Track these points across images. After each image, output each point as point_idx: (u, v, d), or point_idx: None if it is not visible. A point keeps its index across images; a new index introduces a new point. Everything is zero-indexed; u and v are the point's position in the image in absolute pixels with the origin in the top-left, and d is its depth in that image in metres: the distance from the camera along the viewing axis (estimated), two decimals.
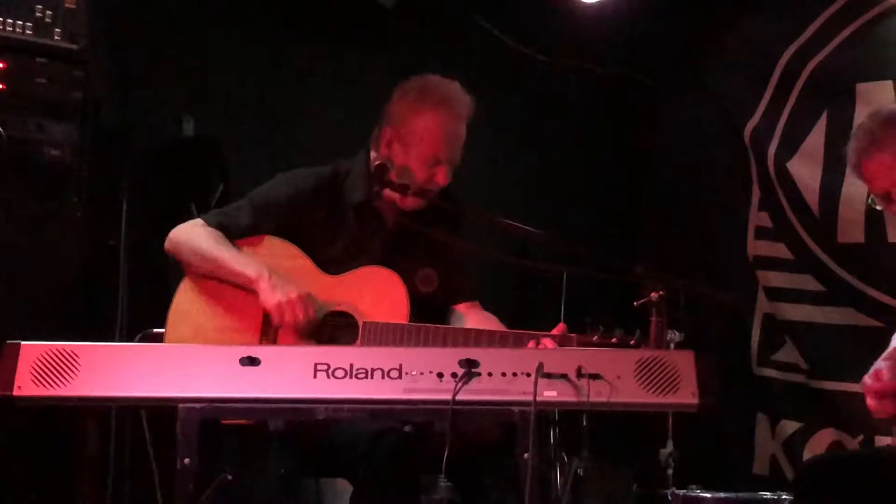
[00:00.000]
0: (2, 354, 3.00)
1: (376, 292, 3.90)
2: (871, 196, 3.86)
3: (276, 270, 3.84)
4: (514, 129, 6.24)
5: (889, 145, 3.71)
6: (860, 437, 5.43)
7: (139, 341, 4.03)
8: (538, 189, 6.18)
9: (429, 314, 3.97)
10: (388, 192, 3.94)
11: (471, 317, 4.12)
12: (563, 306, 4.91)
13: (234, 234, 3.97)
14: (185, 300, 3.94)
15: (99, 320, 4.43)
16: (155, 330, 4.00)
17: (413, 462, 3.45)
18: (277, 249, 3.97)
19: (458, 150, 4.05)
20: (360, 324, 3.83)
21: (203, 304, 3.91)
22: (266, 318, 3.86)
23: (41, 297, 4.17)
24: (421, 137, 3.99)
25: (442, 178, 4.00)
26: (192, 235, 3.96)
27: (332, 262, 3.97)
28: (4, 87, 4.14)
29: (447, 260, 4.11)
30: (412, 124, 4.01)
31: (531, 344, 3.69)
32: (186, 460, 3.00)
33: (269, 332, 3.86)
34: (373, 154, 4.08)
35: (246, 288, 3.84)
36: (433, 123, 4.00)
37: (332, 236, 4.01)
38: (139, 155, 4.79)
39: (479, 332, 3.79)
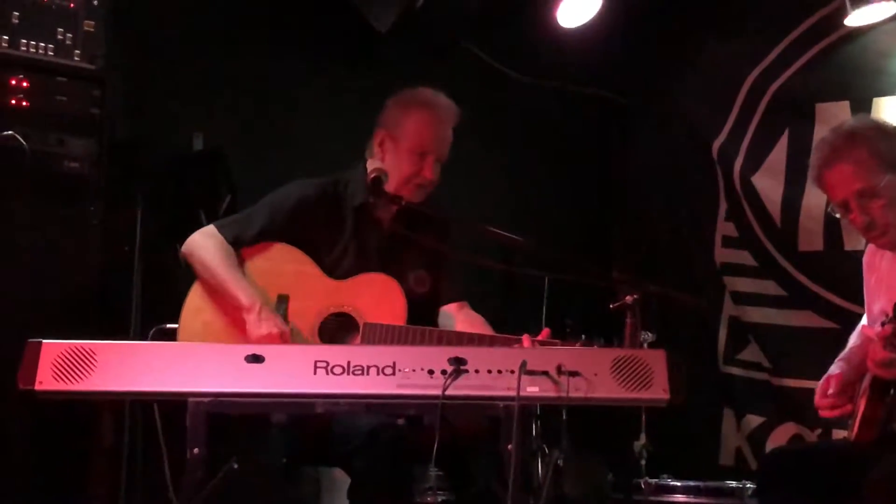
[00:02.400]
0: (24, 352, 3.00)
1: (376, 296, 3.91)
2: (831, 205, 3.87)
3: (268, 302, 3.85)
4: (499, 145, 6.24)
5: (848, 158, 3.72)
6: (818, 431, 5.44)
7: (152, 336, 4.05)
8: (521, 200, 6.18)
9: (421, 313, 3.98)
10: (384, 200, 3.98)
11: (460, 317, 4.14)
12: (544, 309, 4.91)
13: (247, 241, 3.98)
14: (198, 298, 3.96)
15: (114, 320, 4.42)
16: (167, 325, 4.01)
17: (407, 454, 3.45)
18: (286, 255, 3.99)
19: (445, 147, 4.10)
20: (361, 325, 3.84)
21: (213, 303, 3.93)
22: None
23: (61, 298, 4.16)
24: (410, 133, 4.07)
25: (429, 171, 4.05)
26: (203, 248, 3.97)
27: (335, 267, 3.99)
28: (28, 104, 4.14)
29: (438, 263, 4.13)
30: (402, 122, 4.09)
31: (517, 347, 3.70)
32: (196, 450, 3.00)
33: None
34: (369, 162, 4.09)
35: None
36: (421, 120, 4.08)
37: (334, 240, 4.02)
38: (152, 167, 4.79)
39: (470, 335, 3.81)
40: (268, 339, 3.74)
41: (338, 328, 3.90)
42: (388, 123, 4.13)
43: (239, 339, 3.84)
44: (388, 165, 4.07)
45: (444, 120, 4.11)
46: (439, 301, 4.18)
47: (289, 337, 3.79)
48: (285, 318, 3.88)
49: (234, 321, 3.87)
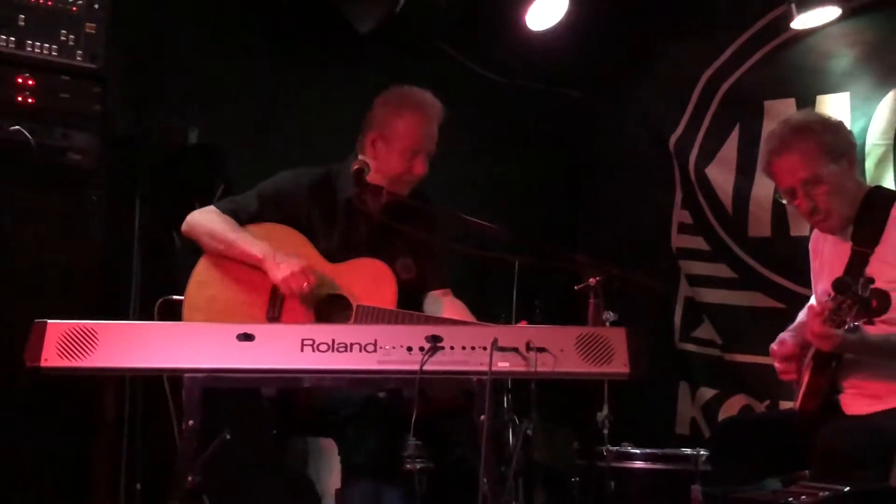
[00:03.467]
0: (31, 332, 2.99)
1: (370, 280, 3.90)
2: (778, 192, 3.88)
3: (280, 249, 3.85)
4: (473, 139, 6.23)
5: (795, 149, 3.74)
6: (767, 402, 5.46)
7: (158, 307, 4.05)
8: (493, 190, 6.17)
9: (409, 299, 3.97)
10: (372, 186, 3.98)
11: (446, 302, 4.13)
12: (514, 292, 4.91)
13: (244, 219, 3.97)
14: (204, 272, 3.93)
15: (115, 302, 4.40)
16: (173, 297, 3.99)
17: (395, 424, 3.44)
18: (288, 237, 3.97)
19: (432, 144, 4.09)
20: (354, 307, 3.83)
21: (218, 278, 3.91)
22: (273, 292, 3.87)
23: (65, 282, 4.14)
24: (401, 134, 4.04)
25: (419, 167, 4.05)
26: (206, 219, 3.97)
27: (330, 252, 3.97)
28: (33, 101, 4.11)
29: (425, 252, 4.12)
30: (394, 124, 4.06)
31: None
32: (191, 422, 3.00)
33: (275, 304, 3.87)
34: (360, 157, 4.07)
35: (254, 266, 3.84)
36: (412, 122, 4.05)
37: (327, 228, 4.01)
38: (150, 160, 4.76)
39: (453, 321, 3.79)
40: (293, 278, 3.75)
41: (332, 309, 3.89)
42: (379, 124, 4.09)
43: (243, 314, 3.85)
44: (380, 163, 4.05)
45: (432, 119, 4.10)
46: (425, 288, 4.16)
47: (309, 270, 3.79)
48: (283, 297, 3.86)
49: (238, 296, 3.87)
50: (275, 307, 3.86)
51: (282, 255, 3.81)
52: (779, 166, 3.80)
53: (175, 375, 3.06)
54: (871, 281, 3.26)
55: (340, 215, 4.04)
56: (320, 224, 4.02)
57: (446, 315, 4.04)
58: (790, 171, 3.76)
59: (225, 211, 3.98)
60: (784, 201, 3.90)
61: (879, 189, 3.91)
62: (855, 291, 3.25)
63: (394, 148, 4.04)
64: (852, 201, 3.75)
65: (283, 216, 3.99)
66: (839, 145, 3.75)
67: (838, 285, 3.31)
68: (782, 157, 3.77)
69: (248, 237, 3.90)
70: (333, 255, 3.97)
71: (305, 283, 3.76)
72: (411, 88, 4.15)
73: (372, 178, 4.01)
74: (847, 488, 2.83)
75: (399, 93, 4.14)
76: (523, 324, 3.77)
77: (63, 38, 4.14)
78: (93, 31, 4.20)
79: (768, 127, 5.45)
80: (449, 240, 4.35)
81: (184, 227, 4.00)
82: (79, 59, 4.18)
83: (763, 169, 3.92)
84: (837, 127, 3.84)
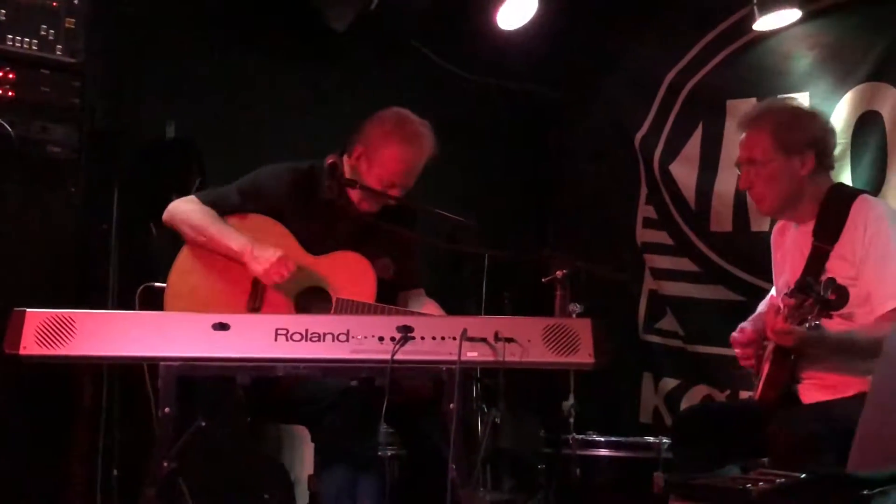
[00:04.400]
0: (10, 320, 2.97)
1: (350, 274, 3.88)
2: (738, 161, 3.91)
3: (259, 241, 3.81)
4: (445, 135, 6.18)
5: (753, 128, 3.80)
6: (727, 392, 5.49)
7: (140, 294, 4.02)
8: (465, 185, 6.16)
9: (386, 294, 3.95)
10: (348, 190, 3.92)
11: (418, 301, 4.12)
12: (485, 283, 4.91)
13: (225, 211, 3.92)
14: (187, 261, 3.90)
15: (93, 292, 4.37)
16: (156, 284, 3.96)
17: (369, 413, 3.44)
18: (271, 228, 3.92)
19: (412, 179, 4.01)
20: (334, 300, 3.81)
21: (200, 267, 3.88)
22: (255, 283, 3.84)
23: (44, 271, 4.12)
24: (384, 163, 3.94)
25: (393, 193, 3.97)
26: (187, 210, 3.92)
27: (311, 244, 3.94)
28: (14, 94, 4.08)
29: (403, 251, 4.09)
30: (381, 150, 3.96)
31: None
32: (166, 409, 2.99)
33: (256, 295, 3.84)
34: (345, 158, 4.03)
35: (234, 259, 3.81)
36: (398, 155, 3.95)
37: (308, 223, 3.96)
38: (129, 153, 4.74)
39: (429, 315, 3.78)
40: (272, 269, 3.73)
41: (313, 300, 3.87)
42: (368, 142, 4.00)
43: (224, 303, 3.82)
44: (360, 176, 3.96)
45: (419, 156, 4.00)
46: (402, 285, 4.14)
47: (287, 258, 3.76)
48: (265, 288, 3.83)
49: (219, 286, 3.84)
50: (256, 298, 3.84)
51: (259, 247, 3.77)
52: (743, 138, 3.85)
53: (151, 364, 3.04)
54: (833, 281, 3.28)
55: (321, 212, 3.98)
56: (301, 219, 3.96)
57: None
58: (745, 146, 3.82)
59: (206, 202, 3.94)
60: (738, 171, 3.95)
61: (841, 186, 3.93)
62: (817, 291, 3.28)
63: (374, 172, 3.95)
64: (793, 196, 3.76)
65: (263, 210, 3.95)
66: (795, 141, 3.75)
67: (801, 286, 3.33)
68: (746, 132, 3.84)
69: (228, 230, 3.86)
70: (314, 248, 3.94)
71: (286, 271, 3.74)
72: (409, 117, 4.03)
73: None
74: (803, 475, 2.84)
75: (397, 118, 4.02)
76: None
77: (43, 32, 4.12)
78: (72, 27, 4.17)
79: (730, 125, 5.50)
80: (418, 233, 4.33)
81: (165, 216, 3.95)
82: (58, 53, 4.15)
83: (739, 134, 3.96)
84: (803, 124, 3.80)
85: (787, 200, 3.77)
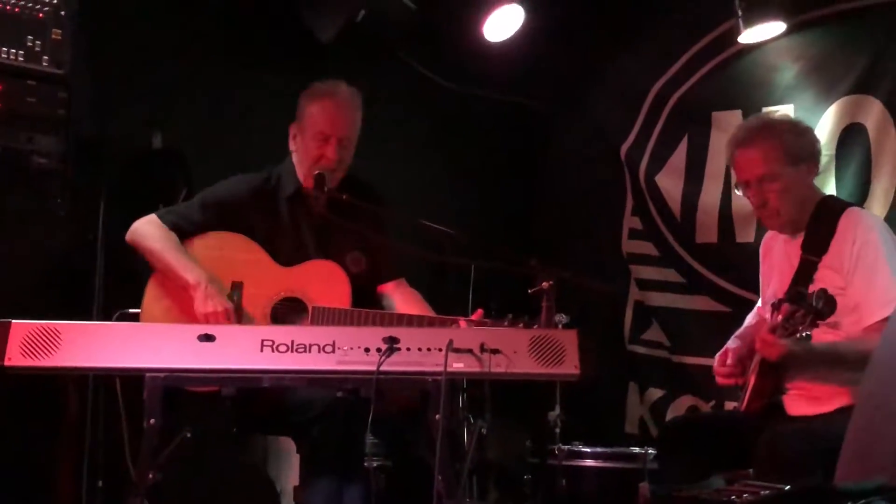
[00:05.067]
0: None
1: (323, 281, 3.89)
2: (736, 182, 3.91)
3: (214, 280, 3.80)
4: (432, 146, 6.24)
5: (758, 145, 3.77)
6: (713, 402, 5.48)
7: (115, 320, 3.95)
8: (452, 196, 6.17)
9: (363, 292, 3.96)
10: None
11: (397, 296, 4.12)
12: (471, 293, 4.91)
13: (188, 230, 3.93)
14: (158, 286, 3.90)
15: (79, 303, 4.36)
16: (130, 310, 3.95)
17: (355, 424, 3.43)
18: (238, 244, 3.94)
19: (346, 130, 4.07)
20: (310, 308, 3.81)
21: (172, 289, 3.86)
22: (229, 299, 3.82)
23: (29, 282, 4.11)
24: (312, 120, 4.05)
25: (331, 151, 4.01)
26: (147, 234, 3.93)
27: (282, 255, 3.95)
28: (0, 105, 4.07)
29: (370, 244, 4.09)
30: (306, 112, 4.08)
31: (448, 327, 3.71)
32: (152, 420, 2.99)
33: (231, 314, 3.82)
34: (292, 151, 4.12)
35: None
36: (321, 108, 4.05)
37: (273, 230, 3.98)
38: (115, 163, 4.73)
39: (409, 317, 3.78)
40: (213, 316, 3.70)
41: (289, 312, 3.87)
42: (298, 116, 4.13)
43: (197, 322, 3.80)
44: (300, 154, 4.07)
45: (341, 105, 4.08)
46: (378, 279, 4.14)
47: (233, 314, 3.75)
48: (240, 303, 3.83)
49: (192, 308, 3.81)
50: (231, 318, 3.82)
51: (212, 289, 3.77)
52: (741, 157, 3.82)
53: (130, 375, 3.03)
54: (825, 292, 3.29)
55: (284, 215, 4.03)
56: (266, 227, 4.00)
57: (401, 308, 4.03)
58: (749, 165, 3.79)
59: (167, 222, 3.94)
60: (739, 192, 3.93)
61: (831, 198, 3.95)
62: (809, 302, 3.28)
63: (307, 135, 4.05)
64: (803, 205, 3.78)
65: (227, 224, 3.97)
66: (801, 149, 3.78)
67: (793, 296, 3.34)
68: (745, 150, 3.80)
69: (185, 260, 3.85)
70: (285, 258, 3.95)
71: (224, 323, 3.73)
72: (328, 81, 4.16)
73: (298, 170, 4.06)
74: (787, 487, 2.85)
75: (316, 85, 4.15)
76: (479, 313, 3.78)
77: (30, 43, 4.10)
78: (59, 38, 4.15)
79: (716, 137, 5.51)
80: (405, 242, 4.33)
81: (127, 236, 3.95)
82: (45, 64, 4.13)
83: (727, 158, 3.95)
84: (804, 132, 3.86)
85: (802, 211, 3.78)
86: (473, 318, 3.76)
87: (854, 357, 3.42)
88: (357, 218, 4.00)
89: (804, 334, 3.32)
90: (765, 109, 5.32)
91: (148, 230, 3.93)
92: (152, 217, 3.97)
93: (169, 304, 3.85)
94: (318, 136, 4.01)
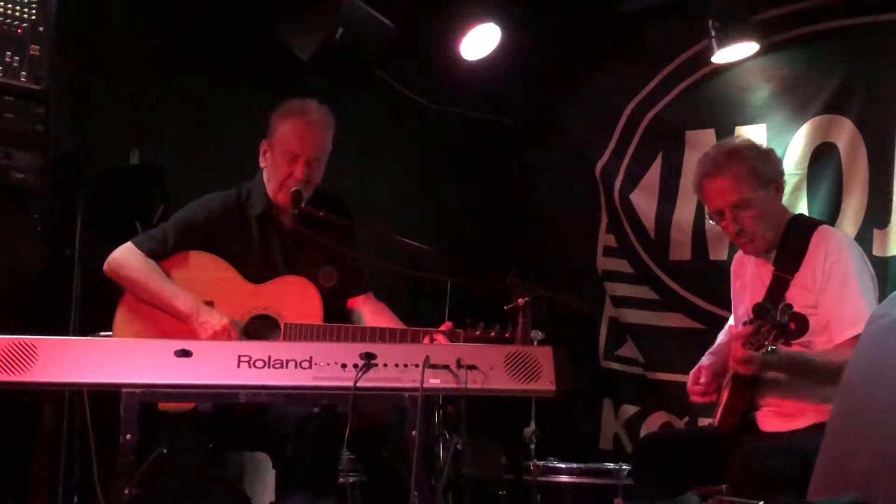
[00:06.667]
0: None
1: (295, 298, 3.88)
2: (708, 213, 3.91)
3: (202, 301, 3.80)
4: (410, 164, 6.24)
5: (726, 172, 3.78)
6: (686, 418, 5.51)
7: None
8: (429, 213, 6.17)
9: (333, 306, 3.95)
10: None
11: (366, 311, 4.11)
12: (447, 310, 4.90)
13: (164, 255, 3.91)
14: (128, 311, 3.88)
15: (55, 318, 4.32)
16: (102, 334, 3.91)
17: (333, 441, 3.42)
18: (208, 263, 3.93)
19: (315, 150, 4.05)
20: (282, 325, 3.80)
21: (143, 312, 3.84)
22: None
23: (5, 297, 4.06)
24: (282, 139, 4.03)
25: (299, 171, 4.00)
26: (127, 264, 3.89)
27: (253, 272, 3.94)
28: None
29: (339, 259, 4.08)
30: (276, 130, 4.07)
31: (426, 340, 3.71)
32: (128, 436, 2.96)
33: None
34: (262, 167, 4.11)
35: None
36: (290, 127, 4.03)
37: (244, 247, 3.98)
38: (92, 179, 4.69)
39: (381, 330, 3.78)
40: (223, 334, 3.71)
41: (261, 329, 3.86)
42: (269, 133, 4.11)
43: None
44: (269, 171, 4.07)
45: (311, 125, 4.06)
46: (346, 293, 4.14)
47: (231, 327, 3.75)
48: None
49: (165, 329, 3.79)
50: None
51: (206, 311, 3.77)
52: (710, 187, 3.83)
53: (106, 391, 3.01)
54: (790, 307, 3.30)
55: (255, 230, 4.02)
56: (237, 245, 3.98)
57: (371, 321, 4.04)
58: (720, 193, 3.79)
59: (144, 250, 3.90)
60: (712, 221, 3.93)
61: (801, 217, 3.98)
62: (773, 317, 3.29)
63: (276, 152, 4.04)
64: (777, 226, 3.80)
65: (200, 244, 3.95)
66: (768, 172, 3.80)
67: (758, 311, 3.35)
68: (714, 180, 3.81)
69: (175, 290, 3.84)
70: (255, 276, 3.94)
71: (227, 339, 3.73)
72: (301, 100, 4.15)
73: (267, 186, 4.05)
74: (762, 503, 2.85)
75: (287, 103, 4.14)
76: (448, 325, 3.79)
77: (7, 59, 4.07)
78: (37, 54, 4.13)
79: (689, 155, 5.54)
80: (381, 258, 4.33)
81: (106, 268, 3.90)
82: (23, 79, 4.11)
83: (695, 188, 3.95)
84: (767, 154, 3.89)
85: (776, 233, 3.79)
86: (443, 328, 3.77)
87: (824, 365, 3.45)
88: (326, 233, 3.99)
89: (770, 348, 3.32)
90: (738, 129, 5.37)
91: (127, 260, 3.89)
92: (129, 246, 3.93)
93: (141, 328, 3.83)
94: (286, 155, 4.00)
